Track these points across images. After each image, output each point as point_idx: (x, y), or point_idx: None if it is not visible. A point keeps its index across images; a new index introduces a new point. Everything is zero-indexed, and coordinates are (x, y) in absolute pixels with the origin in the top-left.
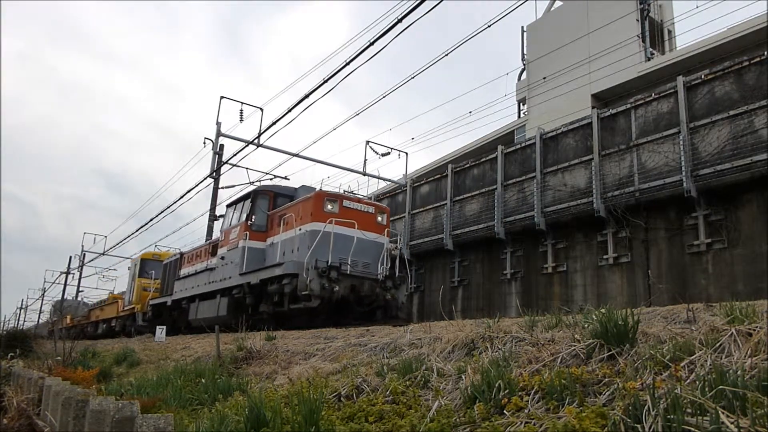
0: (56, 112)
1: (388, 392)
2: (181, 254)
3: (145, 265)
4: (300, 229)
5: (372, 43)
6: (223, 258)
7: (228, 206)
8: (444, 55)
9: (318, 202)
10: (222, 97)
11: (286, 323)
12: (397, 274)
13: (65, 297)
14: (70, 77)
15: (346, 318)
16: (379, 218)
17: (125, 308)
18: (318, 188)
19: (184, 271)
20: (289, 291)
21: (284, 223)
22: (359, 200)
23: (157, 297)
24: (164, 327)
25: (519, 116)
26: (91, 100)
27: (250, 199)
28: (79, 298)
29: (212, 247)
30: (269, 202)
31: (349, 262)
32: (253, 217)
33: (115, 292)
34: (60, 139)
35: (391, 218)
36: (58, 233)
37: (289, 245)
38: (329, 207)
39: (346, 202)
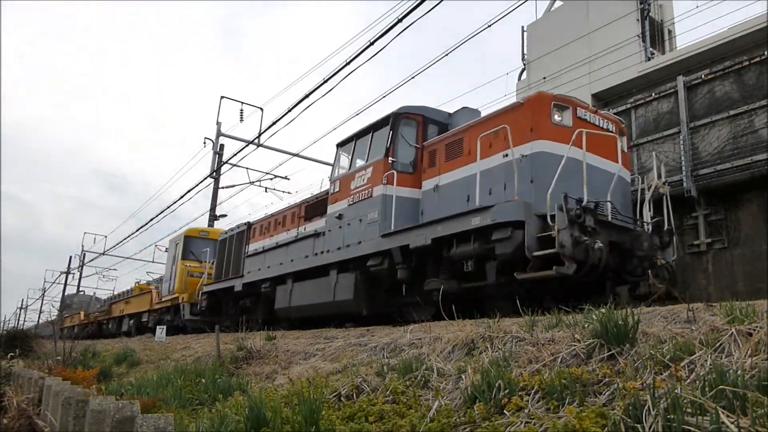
0: (56, 111)
1: (388, 392)
2: (249, 225)
3: (190, 244)
4: (506, 155)
5: (372, 43)
6: (340, 217)
7: (342, 144)
8: (444, 54)
9: (542, 108)
10: (222, 97)
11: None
12: (665, 225)
13: (76, 292)
14: (70, 76)
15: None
16: (620, 142)
17: (163, 299)
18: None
19: (256, 246)
20: (507, 252)
21: (455, 155)
22: (596, 111)
23: (211, 283)
24: (164, 327)
25: None
26: (90, 100)
27: (388, 127)
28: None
29: (304, 209)
30: (417, 130)
31: (608, 205)
32: (395, 151)
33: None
34: (59, 138)
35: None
36: (57, 233)
37: (488, 180)
38: (558, 118)
39: (580, 112)
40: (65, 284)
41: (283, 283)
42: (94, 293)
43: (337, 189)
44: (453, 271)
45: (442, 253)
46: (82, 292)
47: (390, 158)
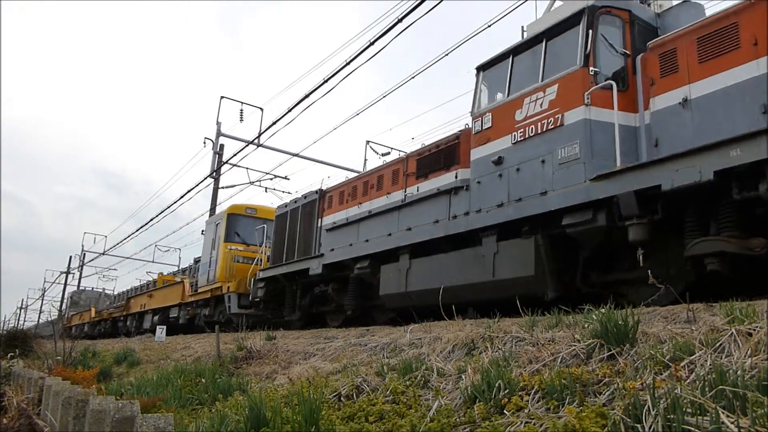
0: (56, 111)
1: (388, 392)
2: (322, 192)
3: (235, 223)
4: None
5: (372, 43)
6: (499, 161)
7: (488, 66)
8: (444, 54)
9: None
10: (222, 97)
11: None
12: None
13: (83, 288)
14: (70, 76)
15: None
16: None
17: (199, 289)
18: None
19: (335, 218)
20: None
21: (722, 50)
22: None
23: (269, 267)
24: (164, 327)
25: None
26: (90, 100)
27: (581, 26)
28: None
29: (415, 164)
30: (624, 32)
31: None
32: (596, 59)
33: (116, 291)
34: (59, 138)
35: None
36: (57, 233)
37: None
38: None
39: None
40: (65, 284)
41: (392, 261)
42: (103, 289)
43: (487, 125)
44: (740, 225)
45: (723, 197)
46: (91, 288)
47: (591, 68)
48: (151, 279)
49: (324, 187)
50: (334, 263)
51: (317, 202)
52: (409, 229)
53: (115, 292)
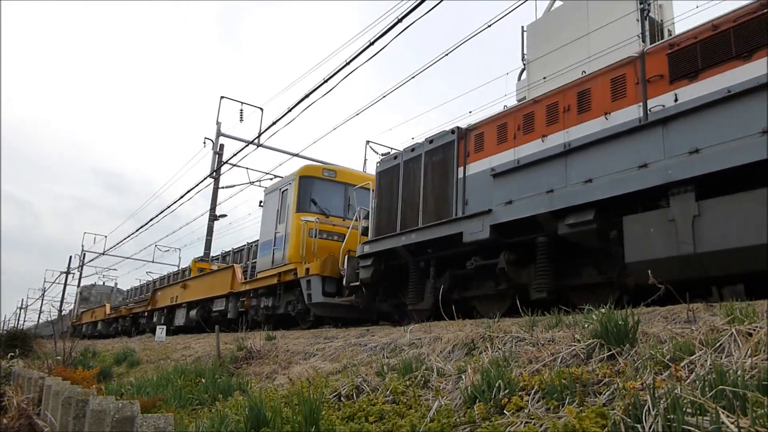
0: (56, 111)
1: (388, 392)
2: (463, 132)
3: (310, 188)
4: None
5: (372, 43)
6: None
7: None
8: (444, 54)
9: None
10: (222, 97)
11: None
12: None
13: (92, 283)
14: (70, 76)
15: None
16: None
17: (258, 274)
18: None
19: (495, 161)
20: None
21: None
22: None
23: (377, 238)
24: (164, 327)
25: None
26: (90, 100)
27: None
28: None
29: (669, 60)
30: None
31: None
32: None
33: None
34: (59, 138)
35: None
36: (56, 233)
37: None
38: None
39: None
40: (65, 284)
41: (638, 209)
42: (116, 284)
43: None
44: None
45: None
46: (102, 283)
47: None
48: (156, 276)
49: (464, 126)
50: (511, 223)
51: (454, 145)
52: (693, 151)
53: (131, 286)
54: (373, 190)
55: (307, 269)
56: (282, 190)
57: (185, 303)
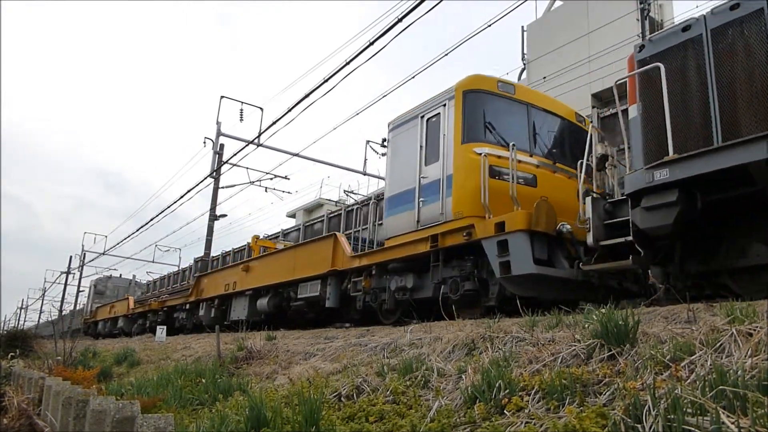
0: (56, 111)
1: (388, 392)
2: None
3: (480, 107)
4: None
5: (372, 43)
6: None
7: None
8: (444, 54)
9: None
10: (222, 97)
11: None
12: None
13: (108, 275)
14: (70, 76)
15: None
16: None
17: (390, 239)
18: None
19: None
20: None
21: None
22: None
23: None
24: (164, 327)
25: None
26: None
27: None
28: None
29: None
30: None
31: None
32: None
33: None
34: (59, 138)
35: None
36: (56, 233)
37: None
38: None
39: None
40: (65, 284)
41: None
42: (134, 276)
43: None
44: None
45: None
46: (119, 275)
47: None
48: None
49: None
50: None
51: None
52: None
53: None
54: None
55: (499, 224)
56: (427, 117)
57: (249, 290)
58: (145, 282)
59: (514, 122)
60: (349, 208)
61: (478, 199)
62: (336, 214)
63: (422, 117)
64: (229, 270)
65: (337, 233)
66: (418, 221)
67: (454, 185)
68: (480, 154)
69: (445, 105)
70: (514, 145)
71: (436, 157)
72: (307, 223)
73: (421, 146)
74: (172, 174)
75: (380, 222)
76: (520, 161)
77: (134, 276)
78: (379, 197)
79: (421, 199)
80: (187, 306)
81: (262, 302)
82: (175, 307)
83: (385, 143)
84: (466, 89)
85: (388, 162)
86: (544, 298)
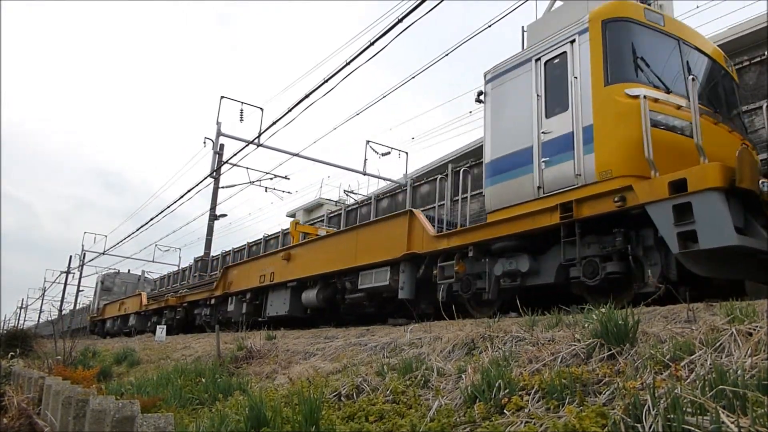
0: (56, 111)
1: (388, 392)
2: None
3: (627, 40)
4: None
5: (372, 43)
6: None
7: None
8: (444, 54)
9: None
10: (222, 97)
11: None
12: None
13: (115, 270)
14: (70, 76)
15: None
16: None
17: (489, 216)
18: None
19: None
20: None
21: None
22: None
23: None
24: (164, 327)
25: None
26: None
27: None
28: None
29: None
30: None
31: None
32: None
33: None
34: (59, 138)
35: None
36: (56, 233)
37: None
38: None
39: None
40: (65, 284)
41: None
42: (143, 272)
43: None
44: None
45: None
46: (127, 270)
47: None
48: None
49: None
50: None
51: None
52: None
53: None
54: None
55: (676, 183)
56: (545, 59)
57: (292, 281)
58: (154, 278)
59: (665, 60)
60: (349, 208)
61: (633, 153)
62: (336, 213)
63: (537, 60)
64: (265, 259)
65: (413, 209)
66: (539, 187)
67: (597, 138)
68: (635, 96)
69: (573, 41)
70: (694, 78)
71: (564, 105)
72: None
73: (538, 95)
74: (172, 174)
75: (464, 197)
76: (679, 107)
77: (143, 272)
78: (378, 197)
79: (542, 159)
80: (212, 301)
81: (310, 295)
82: (197, 303)
83: (481, 97)
84: (608, 18)
85: (488, 120)
86: (744, 279)
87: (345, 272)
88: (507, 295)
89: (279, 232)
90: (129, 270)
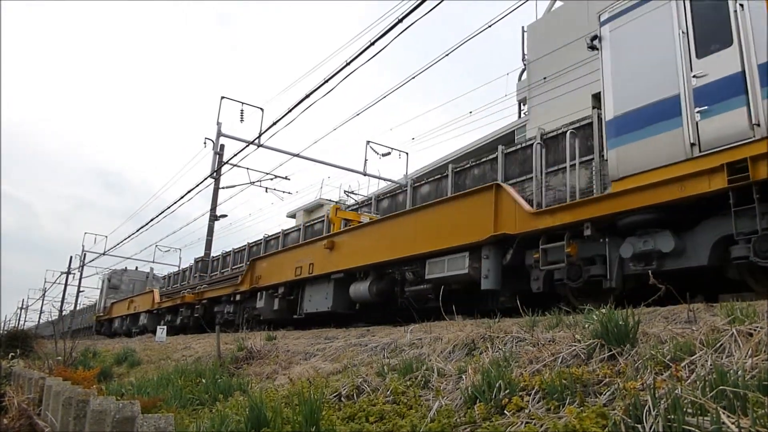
0: (53, 109)
1: (388, 392)
2: None
3: None
4: None
5: (372, 44)
6: None
7: None
8: (444, 55)
9: None
10: (222, 98)
11: None
12: None
13: (123, 267)
14: (69, 76)
15: None
16: None
17: (614, 184)
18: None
19: None
20: None
21: None
22: None
23: None
24: (164, 327)
25: (519, 116)
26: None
27: None
28: (153, 271)
29: None
30: None
31: None
32: None
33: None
34: (59, 138)
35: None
36: (56, 233)
37: None
38: None
39: None
40: (65, 284)
41: None
42: (152, 269)
43: None
44: None
45: None
46: (135, 268)
47: None
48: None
49: None
50: None
51: None
52: None
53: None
54: None
55: None
56: None
57: (337, 272)
58: (162, 276)
59: None
60: (350, 209)
61: None
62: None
63: None
64: (301, 249)
65: (500, 183)
66: (693, 144)
67: None
68: None
69: None
70: None
71: (725, 41)
72: (308, 224)
73: (682, 32)
74: (173, 174)
75: (571, 164)
76: None
77: (152, 269)
78: (379, 197)
79: (697, 109)
80: (237, 297)
81: (360, 288)
82: (218, 300)
83: (596, 42)
84: None
85: (607, 69)
86: None
87: (406, 261)
88: (634, 283)
89: (279, 233)
90: (137, 267)
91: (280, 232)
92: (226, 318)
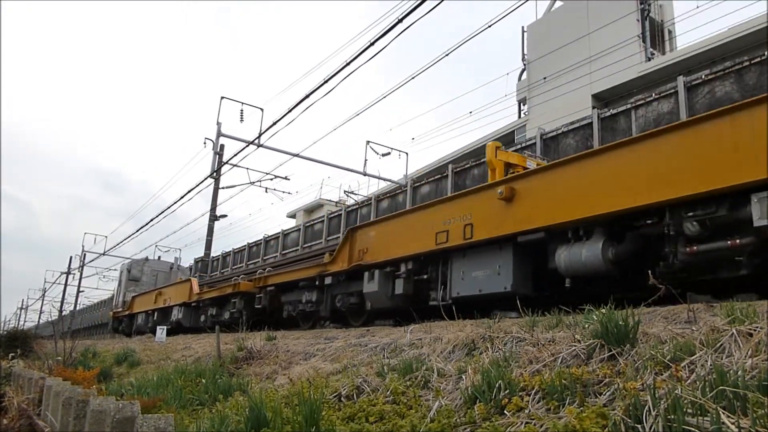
0: (53, 109)
1: (388, 392)
2: None
3: None
4: None
5: (372, 44)
6: None
7: None
8: (444, 55)
9: None
10: (222, 98)
11: None
12: None
13: (143, 257)
14: (69, 76)
15: None
16: None
17: None
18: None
19: None
20: None
21: None
22: None
23: None
24: (164, 327)
25: (519, 116)
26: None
27: None
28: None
29: None
30: None
31: None
32: None
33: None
34: (59, 138)
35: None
36: (56, 233)
37: None
38: None
39: None
40: (65, 284)
41: None
42: (176, 258)
43: None
44: None
45: None
46: (157, 257)
47: None
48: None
49: None
50: None
51: None
52: None
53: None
54: None
55: None
56: None
57: (526, 233)
58: (187, 266)
59: None
60: (350, 209)
61: None
62: (336, 214)
63: None
64: (444, 206)
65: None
66: None
67: None
68: None
69: None
70: None
71: None
72: (308, 224)
73: None
74: (172, 174)
75: None
76: None
77: (176, 258)
78: (378, 197)
79: None
80: (327, 280)
81: (580, 253)
82: (290, 286)
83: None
84: None
85: None
86: None
87: (687, 202)
88: None
89: (279, 233)
90: (159, 257)
91: (280, 233)
92: (304, 310)
